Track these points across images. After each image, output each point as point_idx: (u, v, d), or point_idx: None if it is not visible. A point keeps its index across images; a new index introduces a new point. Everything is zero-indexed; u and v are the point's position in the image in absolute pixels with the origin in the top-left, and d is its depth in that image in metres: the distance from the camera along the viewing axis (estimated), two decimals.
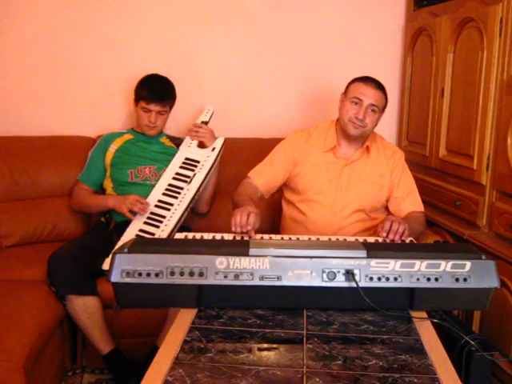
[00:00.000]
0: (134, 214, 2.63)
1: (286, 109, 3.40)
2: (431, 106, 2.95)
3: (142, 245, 1.69)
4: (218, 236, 1.92)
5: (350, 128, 2.38)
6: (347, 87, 2.43)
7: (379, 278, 1.58)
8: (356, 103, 2.35)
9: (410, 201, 2.44)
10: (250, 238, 1.92)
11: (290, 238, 1.99)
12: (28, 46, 3.14)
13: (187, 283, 1.58)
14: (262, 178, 2.48)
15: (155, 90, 2.80)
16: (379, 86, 2.37)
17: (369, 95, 2.33)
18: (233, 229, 1.95)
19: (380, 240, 2.01)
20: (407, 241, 1.99)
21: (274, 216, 2.92)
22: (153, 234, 2.58)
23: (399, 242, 1.97)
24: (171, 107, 2.90)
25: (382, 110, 2.40)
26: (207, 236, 1.92)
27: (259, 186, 2.46)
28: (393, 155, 2.49)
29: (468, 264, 1.59)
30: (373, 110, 2.34)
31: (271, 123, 3.37)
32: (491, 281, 1.59)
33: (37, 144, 3.05)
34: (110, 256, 1.65)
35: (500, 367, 2.29)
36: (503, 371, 2.28)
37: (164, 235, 2.57)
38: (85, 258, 2.44)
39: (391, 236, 1.98)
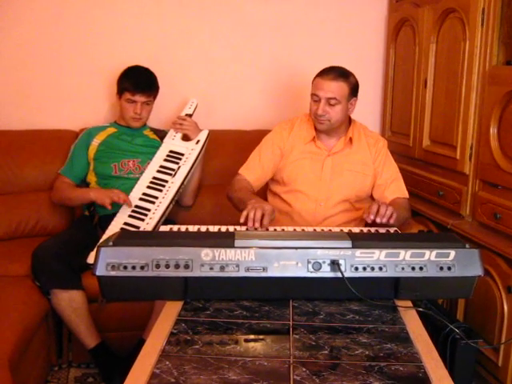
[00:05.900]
0: (118, 206, 2.62)
1: (269, 100, 3.39)
2: (414, 96, 2.97)
3: (127, 238, 1.68)
4: (203, 228, 1.91)
5: (316, 124, 2.40)
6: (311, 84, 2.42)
7: (364, 268, 1.59)
8: (315, 100, 2.35)
9: (393, 188, 2.44)
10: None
11: (276, 229, 1.99)
12: (8, 40, 3.10)
13: (173, 275, 1.57)
14: (253, 174, 2.47)
15: (140, 81, 2.79)
16: (338, 76, 2.32)
17: (325, 89, 2.31)
18: (249, 224, 1.91)
19: (365, 230, 2.01)
20: (392, 230, 2.00)
21: None
22: (137, 228, 2.57)
23: (387, 222, 1.96)
24: (155, 98, 2.89)
25: (347, 97, 2.35)
26: (192, 228, 1.91)
27: (251, 182, 2.46)
28: (375, 143, 2.49)
29: (452, 253, 1.60)
30: (331, 104, 2.32)
31: (255, 115, 3.37)
32: (475, 269, 1.60)
33: (19, 138, 3.02)
34: (95, 249, 1.64)
35: (484, 354, 2.32)
36: (487, 358, 2.30)
37: (149, 228, 2.56)
38: (69, 251, 2.43)
39: (379, 219, 1.96)
